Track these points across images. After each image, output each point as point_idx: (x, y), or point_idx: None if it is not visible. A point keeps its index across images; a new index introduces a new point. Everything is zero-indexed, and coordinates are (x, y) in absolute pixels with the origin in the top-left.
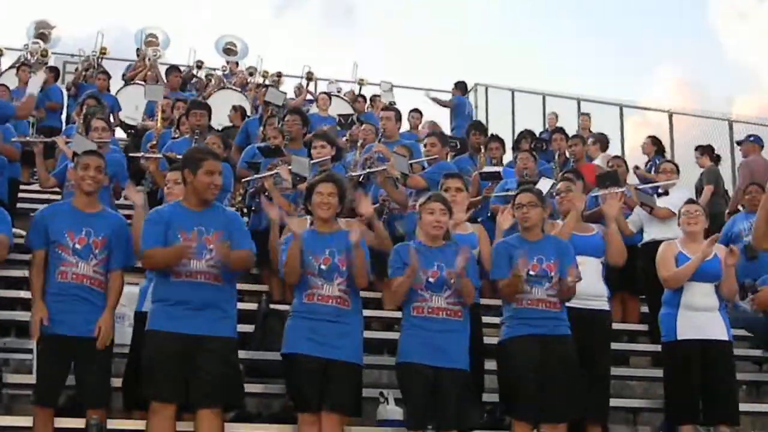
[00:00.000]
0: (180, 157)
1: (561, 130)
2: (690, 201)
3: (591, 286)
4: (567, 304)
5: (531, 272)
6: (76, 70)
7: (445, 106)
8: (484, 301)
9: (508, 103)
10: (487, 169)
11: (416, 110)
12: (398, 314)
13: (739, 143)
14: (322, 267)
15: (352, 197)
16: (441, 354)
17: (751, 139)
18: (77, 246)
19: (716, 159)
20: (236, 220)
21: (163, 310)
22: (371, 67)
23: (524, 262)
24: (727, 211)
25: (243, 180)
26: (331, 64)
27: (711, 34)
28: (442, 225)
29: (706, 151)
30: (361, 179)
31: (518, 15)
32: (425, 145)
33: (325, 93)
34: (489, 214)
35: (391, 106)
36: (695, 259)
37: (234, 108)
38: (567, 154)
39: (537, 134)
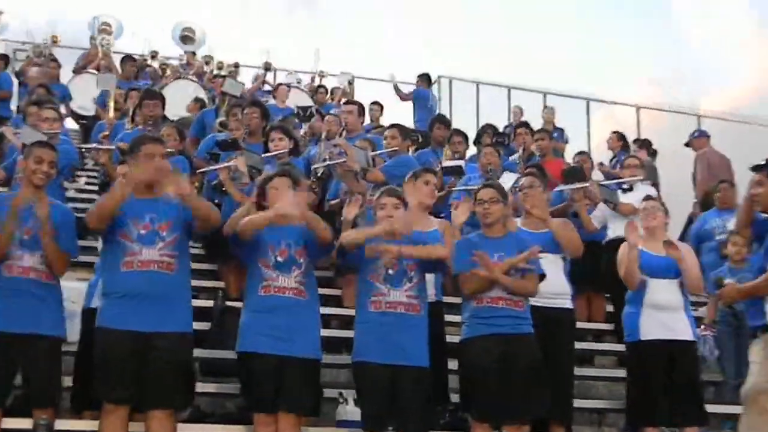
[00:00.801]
0: None
1: (525, 125)
2: (648, 197)
3: (553, 283)
4: (530, 302)
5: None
6: (27, 58)
7: (403, 99)
8: (446, 299)
9: (472, 96)
10: (449, 163)
11: (377, 103)
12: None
13: (687, 144)
14: (279, 259)
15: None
16: (399, 351)
17: (696, 134)
18: (25, 237)
19: (653, 153)
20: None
21: (113, 305)
22: (333, 57)
23: (481, 256)
24: (694, 201)
25: (199, 171)
26: (291, 54)
27: (678, 29)
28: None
29: (644, 144)
30: (321, 174)
31: (484, 6)
32: (385, 138)
33: (284, 84)
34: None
35: (353, 100)
36: (627, 247)
37: (196, 99)
38: (533, 149)
39: (501, 128)
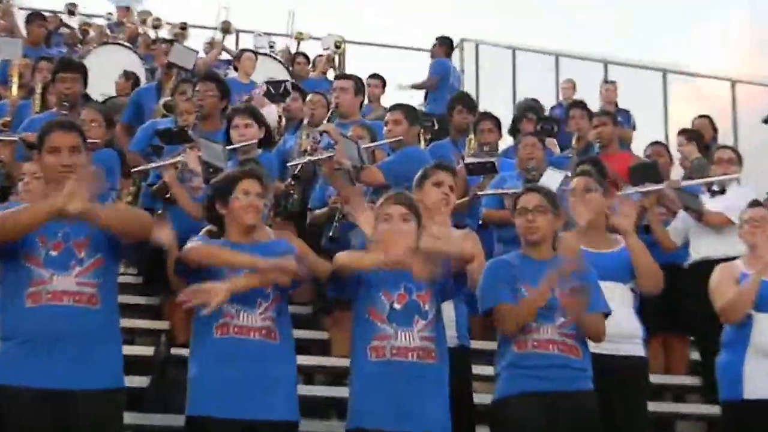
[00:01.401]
0: None
1: (580, 105)
2: (755, 203)
3: (619, 322)
4: (588, 348)
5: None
6: None
7: (426, 88)
8: (475, 344)
9: (507, 66)
10: (475, 158)
11: (376, 76)
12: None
13: None
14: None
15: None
16: (410, 415)
17: None
18: None
19: (704, 148)
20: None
21: (15, 354)
22: (315, 14)
23: (534, 293)
24: None
25: (135, 171)
26: (258, 12)
27: None
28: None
29: (693, 137)
30: (299, 173)
31: None
32: (386, 124)
33: (248, 50)
34: (480, 221)
35: (347, 75)
36: (754, 275)
37: (125, 74)
38: (591, 138)
39: (546, 110)
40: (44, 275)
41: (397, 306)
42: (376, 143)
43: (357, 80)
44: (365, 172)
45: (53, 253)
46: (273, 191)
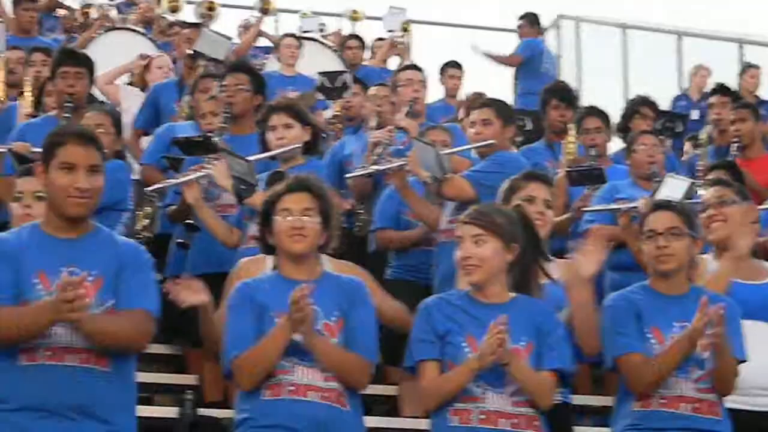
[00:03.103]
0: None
1: (722, 91)
2: None
3: (764, 371)
4: (727, 403)
5: None
6: None
7: (508, 64)
8: (578, 399)
9: (616, 49)
10: (578, 165)
11: (453, 64)
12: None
13: None
14: (297, 337)
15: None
16: None
17: None
18: None
19: None
20: (134, 258)
21: (4, 423)
22: None
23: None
24: None
25: (150, 189)
26: None
27: None
28: (475, 265)
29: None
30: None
31: None
32: (473, 124)
33: (291, 35)
34: None
35: (413, 64)
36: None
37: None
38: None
39: (669, 102)
40: (46, 331)
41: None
42: (456, 149)
43: (421, 71)
44: (448, 183)
45: None
46: (336, 206)
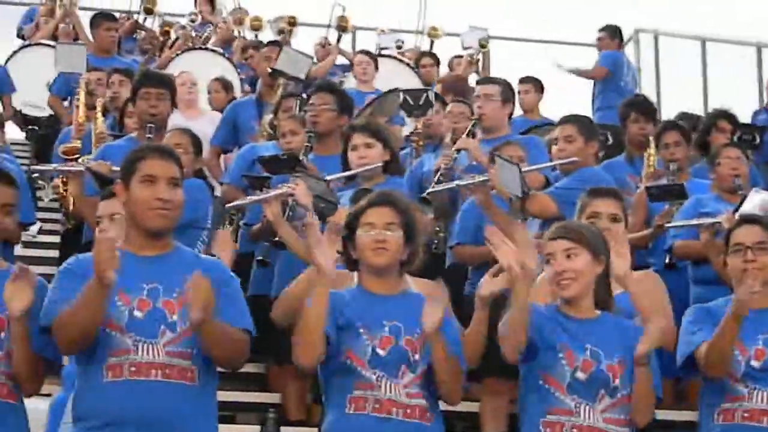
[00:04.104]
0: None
1: None
2: None
3: None
4: None
5: (753, 362)
6: None
7: (593, 77)
8: (662, 414)
9: (694, 62)
10: (659, 181)
11: (531, 79)
12: None
13: None
14: (380, 352)
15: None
16: None
17: None
18: None
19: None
20: (221, 276)
21: None
22: (450, 6)
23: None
24: None
25: (230, 206)
26: (380, 3)
27: None
28: (570, 278)
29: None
30: (429, 197)
31: None
32: (555, 141)
33: (363, 52)
34: (668, 259)
35: (492, 79)
36: None
37: (222, 83)
38: None
39: (749, 116)
40: (127, 343)
41: (580, 375)
42: (537, 166)
43: (504, 85)
44: (532, 200)
45: (138, 315)
46: (421, 224)
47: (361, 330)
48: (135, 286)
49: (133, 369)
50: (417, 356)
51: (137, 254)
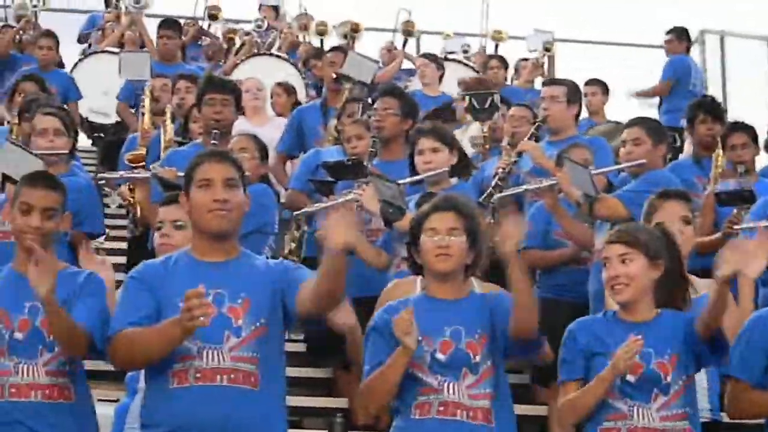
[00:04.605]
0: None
1: None
2: None
3: None
4: None
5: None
6: (1, 30)
7: (659, 95)
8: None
9: (761, 63)
10: (726, 185)
11: (596, 82)
12: None
13: None
14: (439, 357)
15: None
16: None
17: None
18: (17, 335)
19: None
20: (293, 274)
21: None
22: (513, 8)
23: None
24: None
25: (297, 214)
26: (445, 5)
27: None
28: (623, 284)
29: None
30: (490, 201)
31: None
32: (623, 143)
33: (426, 55)
34: None
35: (557, 80)
36: None
37: (285, 88)
38: None
39: None
40: (191, 349)
41: (630, 378)
42: (605, 169)
43: (570, 86)
44: (602, 203)
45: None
46: (484, 226)
47: (422, 339)
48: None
49: (198, 375)
50: (478, 358)
51: (202, 259)
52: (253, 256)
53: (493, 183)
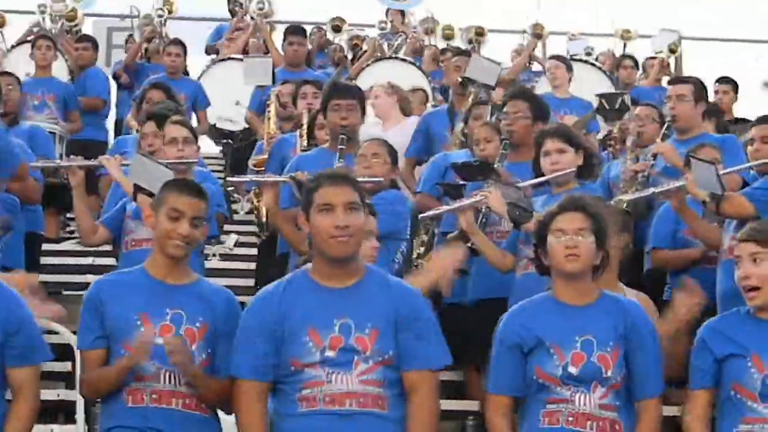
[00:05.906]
0: None
1: None
2: None
3: None
4: None
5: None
6: (128, 40)
7: None
8: None
9: None
10: None
11: (726, 80)
12: None
13: None
14: (572, 370)
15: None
16: None
17: None
18: (160, 341)
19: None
20: (411, 311)
21: None
22: (641, 8)
23: None
24: None
25: (425, 216)
26: (569, 7)
27: None
28: (754, 284)
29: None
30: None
31: None
32: (751, 142)
33: (555, 57)
34: None
35: (684, 78)
36: None
37: (416, 92)
38: None
39: None
40: (319, 375)
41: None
42: (734, 168)
43: (696, 84)
44: (729, 202)
45: (330, 354)
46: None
47: (552, 349)
48: (325, 322)
49: (327, 399)
50: (609, 372)
51: (326, 285)
52: (378, 275)
53: (627, 184)
